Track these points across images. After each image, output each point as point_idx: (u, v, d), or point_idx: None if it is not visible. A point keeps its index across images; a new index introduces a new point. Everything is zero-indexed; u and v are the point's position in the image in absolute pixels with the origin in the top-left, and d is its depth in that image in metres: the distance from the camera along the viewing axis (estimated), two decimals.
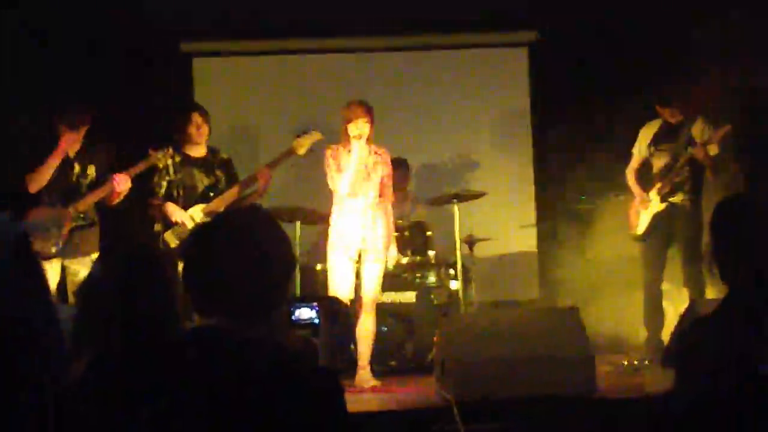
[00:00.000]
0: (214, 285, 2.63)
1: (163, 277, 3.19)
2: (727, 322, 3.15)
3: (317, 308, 2.99)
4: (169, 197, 7.66)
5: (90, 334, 3.08)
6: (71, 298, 7.22)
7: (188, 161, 7.73)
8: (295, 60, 10.27)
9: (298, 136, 7.79)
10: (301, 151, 7.75)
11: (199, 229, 2.78)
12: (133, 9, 9.36)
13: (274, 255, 2.66)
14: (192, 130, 7.69)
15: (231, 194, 7.67)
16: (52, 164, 7.31)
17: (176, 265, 6.82)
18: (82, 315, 3.16)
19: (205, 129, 7.72)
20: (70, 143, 7.37)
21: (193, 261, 2.70)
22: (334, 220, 7.47)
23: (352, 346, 7.48)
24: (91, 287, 3.21)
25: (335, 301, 3.01)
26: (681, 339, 3.48)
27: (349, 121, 7.37)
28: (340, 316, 2.75)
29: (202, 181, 7.73)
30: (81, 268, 7.39)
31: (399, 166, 8.96)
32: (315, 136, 7.78)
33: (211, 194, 7.69)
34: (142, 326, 3.05)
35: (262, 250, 2.64)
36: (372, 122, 7.40)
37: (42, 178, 7.31)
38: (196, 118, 7.69)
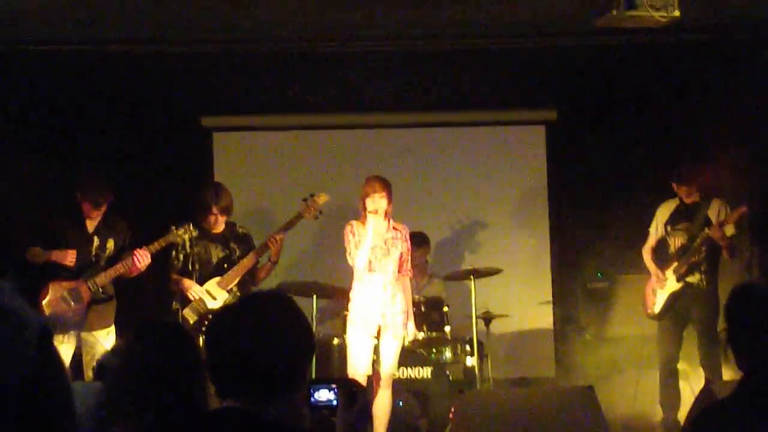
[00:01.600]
0: (235, 368, 2.68)
1: (196, 354, 3.24)
2: (742, 410, 3.18)
3: (336, 390, 3.02)
4: (185, 271, 7.72)
5: (119, 412, 3.11)
6: (87, 372, 7.25)
7: (205, 236, 7.79)
8: (314, 135, 10.30)
9: (305, 200, 7.85)
10: (310, 214, 7.81)
11: (222, 312, 2.83)
12: (154, 84, 9.50)
13: (294, 340, 2.72)
14: (209, 221, 7.76)
15: (244, 264, 7.74)
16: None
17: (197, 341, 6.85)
18: (111, 392, 3.19)
19: (221, 220, 7.77)
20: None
21: (215, 344, 2.75)
22: (353, 295, 7.51)
23: (369, 428, 7.48)
24: (122, 363, 3.24)
25: (353, 383, 3.02)
26: (696, 424, 3.50)
27: (367, 195, 7.43)
28: (358, 398, 2.79)
29: (217, 255, 7.79)
30: (98, 341, 7.46)
31: (421, 242, 9.01)
32: (322, 198, 7.84)
33: (225, 266, 7.76)
34: (172, 404, 3.08)
35: (282, 335, 2.70)
36: (390, 198, 7.46)
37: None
38: (215, 210, 7.73)
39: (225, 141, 10.18)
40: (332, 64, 9.57)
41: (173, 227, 7.59)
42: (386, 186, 7.48)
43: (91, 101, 9.47)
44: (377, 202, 7.40)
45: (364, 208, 7.45)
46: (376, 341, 7.45)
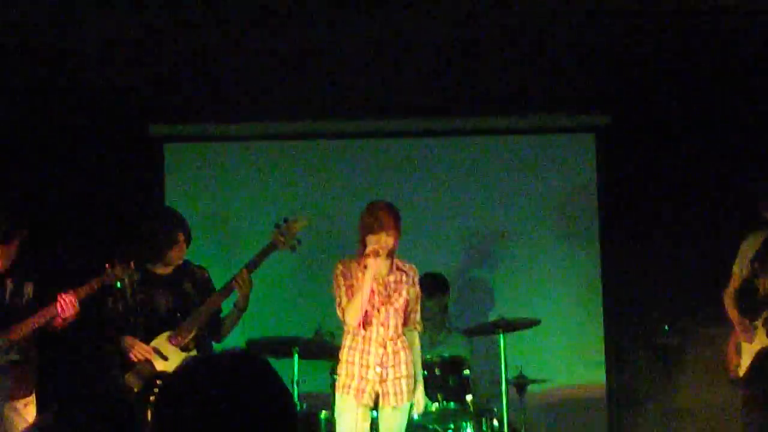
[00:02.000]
0: None
1: None
2: None
3: None
4: (125, 325, 7.65)
5: None
6: None
7: (150, 279, 7.76)
8: (291, 146, 10.29)
9: (278, 226, 7.79)
10: (285, 244, 7.75)
11: (175, 377, 2.77)
12: (90, 84, 9.43)
13: (268, 414, 2.65)
14: (174, 252, 7.73)
15: (202, 313, 7.68)
16: None
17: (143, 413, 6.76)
18: None
19: (185, 249, 7.76)
20: None
21: (166, 418, 2.69)
22: (345, 355, 7.43)
23: None
24: None
25: None
26: None
27: (370, 231, 7.26)
28: None
29: (166, 301, 7.74)
30: (13, 415, 7.38)
31: (438, 288, 8.97)
32: (300, 223, 7.80)
33: (178, 315, 7.70)
34: None
35: (253, 407, 2.63)
36: (398, 234, 7.35)
37: None
38: (182, 238, 7.73)
39: (178, 153, 10.18)
40: (316, 56, 9.49)
41: (109, 265, 7.52)
42: (397, 221, 7.36)
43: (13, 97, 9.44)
44: (383, 241, 7.26)
45: (364, 245, 7.33)
46: (374, 414, 7.39)
